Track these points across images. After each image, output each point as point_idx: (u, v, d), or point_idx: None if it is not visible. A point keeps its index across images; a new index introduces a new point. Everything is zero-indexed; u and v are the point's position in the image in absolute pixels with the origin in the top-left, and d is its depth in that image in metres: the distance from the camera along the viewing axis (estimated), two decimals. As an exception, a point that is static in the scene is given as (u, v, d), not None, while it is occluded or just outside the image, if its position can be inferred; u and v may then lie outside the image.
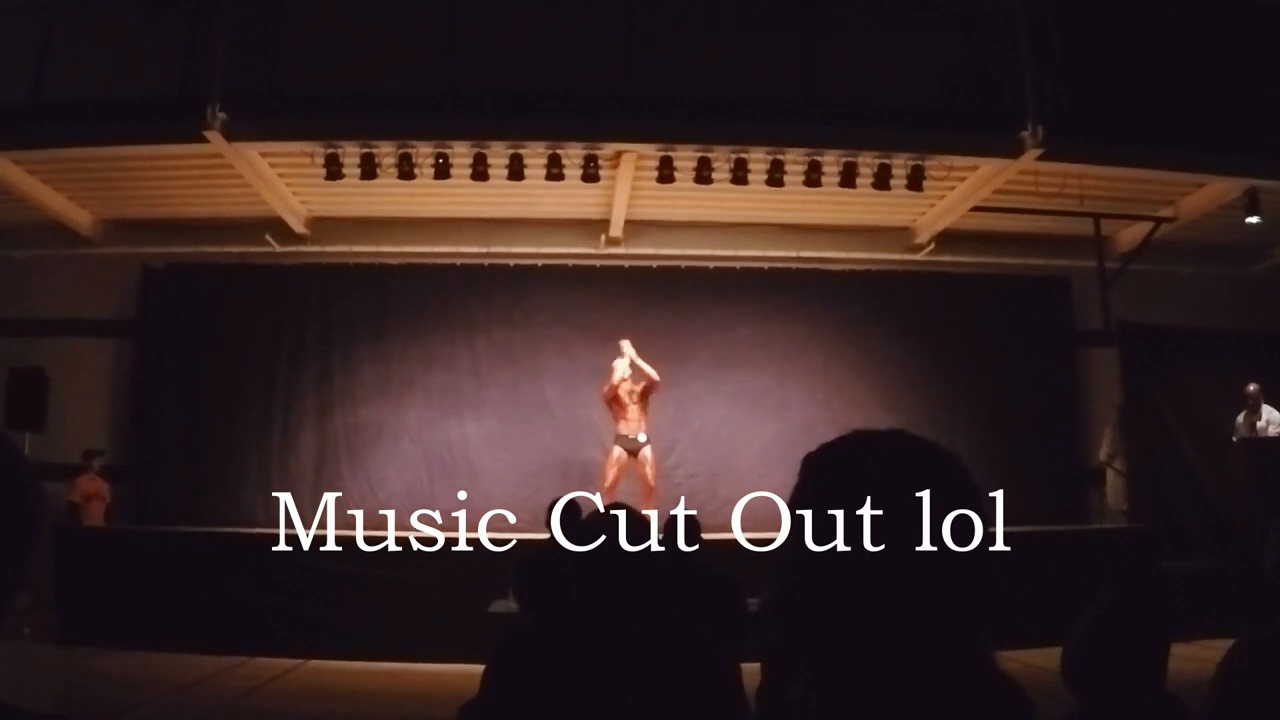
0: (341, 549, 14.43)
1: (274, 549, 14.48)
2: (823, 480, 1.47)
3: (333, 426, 17.38)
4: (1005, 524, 13.88)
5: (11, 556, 1.74)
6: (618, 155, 14.90)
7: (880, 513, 1.38)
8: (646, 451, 15.11)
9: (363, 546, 14.38)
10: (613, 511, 3.52)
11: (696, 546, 7.29)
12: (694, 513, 7.97)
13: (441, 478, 17.21)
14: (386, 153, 14.80)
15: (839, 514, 1.40)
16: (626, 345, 15.29)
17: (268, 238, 17.58)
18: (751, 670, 4.64)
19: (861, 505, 1.39)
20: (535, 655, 3.45)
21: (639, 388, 15.21)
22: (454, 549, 14.14)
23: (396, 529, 15.92)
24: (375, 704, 11.76)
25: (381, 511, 16.89)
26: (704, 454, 16.98)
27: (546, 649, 3.44)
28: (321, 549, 14.42)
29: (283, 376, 17.57)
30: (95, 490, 16.45)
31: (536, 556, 6.99)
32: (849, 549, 1.38)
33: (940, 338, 17.48)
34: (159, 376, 17.89)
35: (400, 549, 14.32)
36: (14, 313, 17.71)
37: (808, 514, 1.45)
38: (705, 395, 17.43)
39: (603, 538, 3.40)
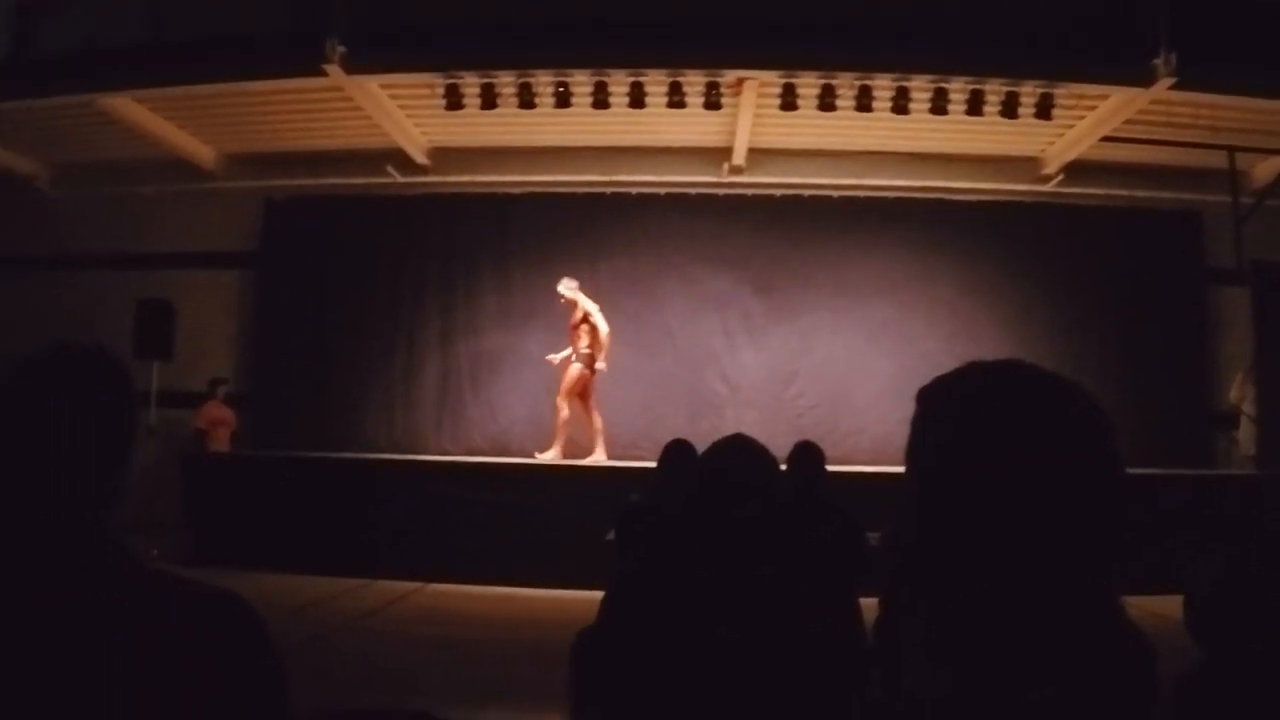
0: (464, 474, 14.54)
1: (396, 473, 14.63)
2: (938, 413, 1.43)
3: (455, 354, 17.50)
4: (1131, 465, 13.63)
5: (112, 459, 1.90)
6: (740, 82, 14.76)
7: (997, 445, 1.33)
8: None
9: (484, 473, 14.49)
10: (731, 446, 3.43)
11: (818, 478, 7.18)
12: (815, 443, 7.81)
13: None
14: (506, 82, 14.85)
15: (954, 447, 1.37)
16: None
17: (389, 169, 17.70)
18: (872, 605, 4.57)
19: (977, 437, 1.35)
20: (653, 590, 3.38)
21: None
22: (573, 475, 14.20)
23: (517, 455, 16.00)
24: (493, 627, 11.83)
25: (503, 438, 17.05)
26: (825, 385, 16.83)
27: (664, 584, 3.38)
28: (444, 474, 14.53)
29: (405, 305, 17.71)
30: (221, 417, 16.78)
31: (639, 505, 6.90)
32: (965, 483, 1.34)
33: (1067, 272, 17.11)
34: (282, 306, 18.21)
35: (521, 475, 14.41)
36: (141, 247, 18.09)
37: (923, 448, 1.42)
38: (827, 326, 17.30)
39: (720, 474, 3.32)
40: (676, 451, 7.12)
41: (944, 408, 1.42)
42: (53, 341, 1.90)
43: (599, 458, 15.38)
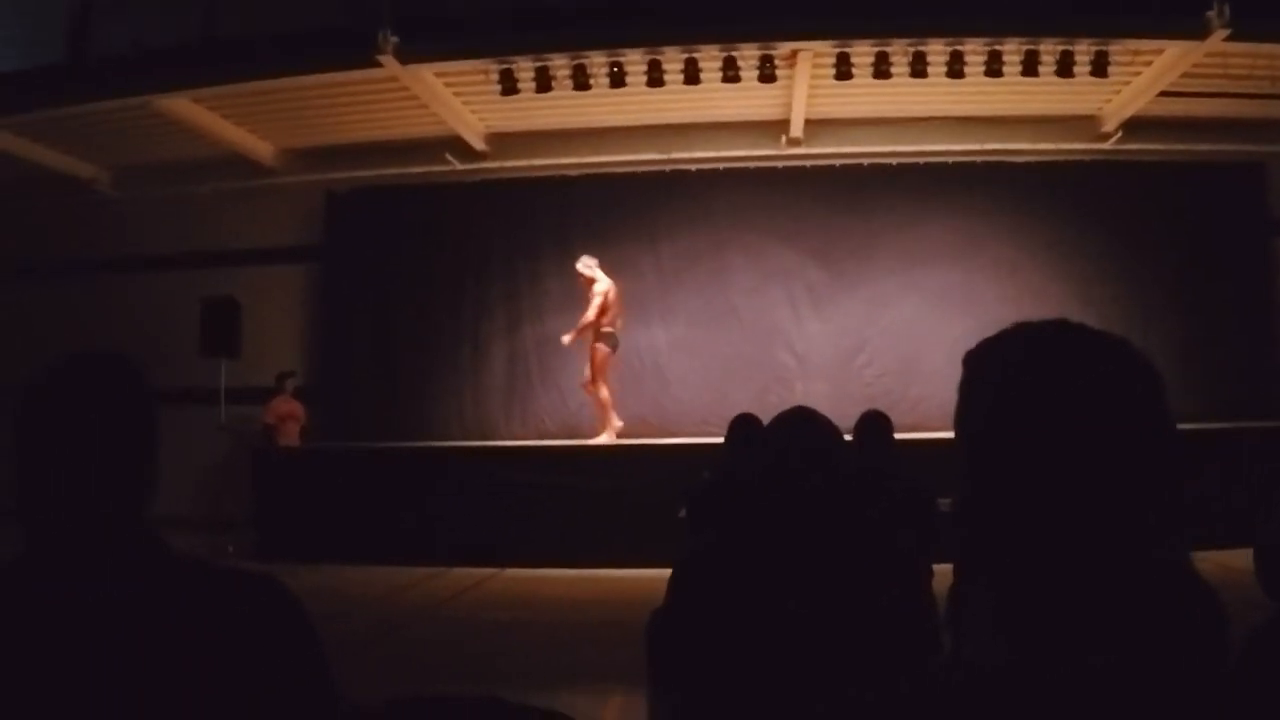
0: (534, 459, 14.62)
1: (468, 461, 14.69)
2: (984, 376, 1.41)
3: (522, 339, 17.54)
4: (1199, 419, 13.54)
5: (132, 454, 1.98)
6: (793, 54, 14.71)
7: (1044, 406, 1.31)
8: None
9: (555, 456, 14.57)
10: (793, 418, 3.42)
11: (885, 447, 7.15)
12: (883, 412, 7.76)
13: (631, 384, 17.22)
14: (560, 65, 14.83)
15: (1001, 410, 1.35)
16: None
17: (447, 156, 17.75)
18: (945, 572, 4.56)
19: (1023, 399, 1.33)
20: (721, 566, 3.39)
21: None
22: (644, 455, 14.23)
23: (588, 436, 16.06)
24: (569, 610, 11.87)
25: (572, 420, 17.11)
26: (893, 353, 16.79)
27: (732, 560, 3.38)
28: (515, 460, 14.60)
29: (470, 292, 17.74)
30: (289, 411, 16.86)
31: (710, 482, 6.89)
32: (1013, 447, 1.32)
33: (1130, 229, 16.91)
34: (347, 298, 18.33)
35: (591, 456, 14.46)
36: (204, 245, 18.27)
37: (970, 412, 1.40)
38: (893, 294, 17.25)
39: (784, 448, 3.31)
40: (742, 426, 7.11)
41: (989, 371, 1.40)
42: (71, 353, 2.01)
43: (608, 437, 15.54)
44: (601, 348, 15.38)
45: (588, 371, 15.54)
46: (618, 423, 15.69)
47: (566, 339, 15.51)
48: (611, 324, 15.41)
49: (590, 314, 15.30)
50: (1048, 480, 1.29)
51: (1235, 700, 1.26)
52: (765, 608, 3.11)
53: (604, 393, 15.55)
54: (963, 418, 1.41)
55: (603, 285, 15.37)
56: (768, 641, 3.06)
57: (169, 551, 1.95)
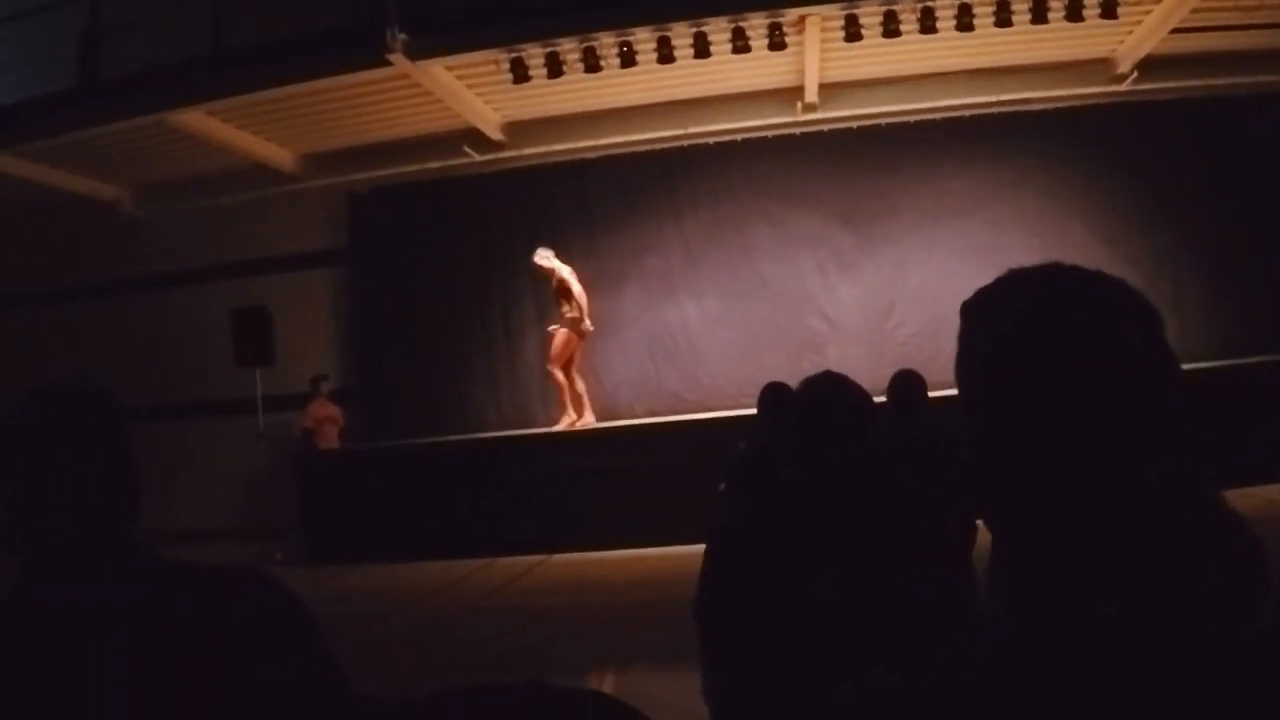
0: (574, 442, 14.66)
1: (507, 450, 14.75)
2: (980, 325, 1.39)
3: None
4: (1229, 355, 13.49)
5: (105, 470, 2.03)
6: (801, 19, 14.64)
7: (1042, 351, 1.30)
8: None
9: (594, 439, 14.61)
10: (824, 383, 3.39)
11: (919, 407, 7.13)
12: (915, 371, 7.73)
13: (665, 362, 17.39)
14: (570, 49, 14.80)
15: (999, 358, 1.33)
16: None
17: (466, 149, 17.77)
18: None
19: (1021, 346, 1.31)
20: (752, 538, 3.38)
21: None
22: (683, 431, 14.26)
23: (625, 417, 16.10)
24: (619, 592, 11.92)
25: (609, 402, 17.15)
26: (924, 312, 16.55)
27: (763, 531, 3.37)
28: (554, 444, 14.66)
29: (498, 282, 17.78)
30: (326, 414, 16.97)
31: (747, 453, 6.88)
32: (1019, 393, 1.30)
33: (1154, 169, 16.75)
34: (376, 297, 18.41)
35: (629, 436, 14.50)
36: (231, 256, 18.39)
37: (969, 363, 1.39)
38: (919, 251, 17.20)
39: (811, 413, 3.29)
40: (772, 395, 7.11)
41: (987, 319, 1.38)
42: (29, 388, 2.05)
43: (588, 421, 15.74)
44: (564, 334, 15.57)
45: (550, 356, 15.78)
46: (589, 415, 15.93)
47: (554, 328, 15.74)
48: (576, 311, 15.52)
49: (583, 301, 15.49)
50: (1050, 426, 1.27)
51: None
52: (798, 579, 3.10)
53: (560, 377, 15.75)
54: (963, 368, 1.40)
55: (564, 273, 15.58)
56: (802, 613, 3.06)
57: (154, 558, 2.00)
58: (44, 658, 1.83)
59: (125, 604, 1.88)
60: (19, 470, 1.95)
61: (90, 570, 1.92)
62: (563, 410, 15.77)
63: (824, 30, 14.95)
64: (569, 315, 15.47)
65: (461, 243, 18.14)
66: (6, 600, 1.92)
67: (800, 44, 15.34)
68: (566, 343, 15.57)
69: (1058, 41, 15.81)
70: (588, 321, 15.59)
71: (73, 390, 2.05)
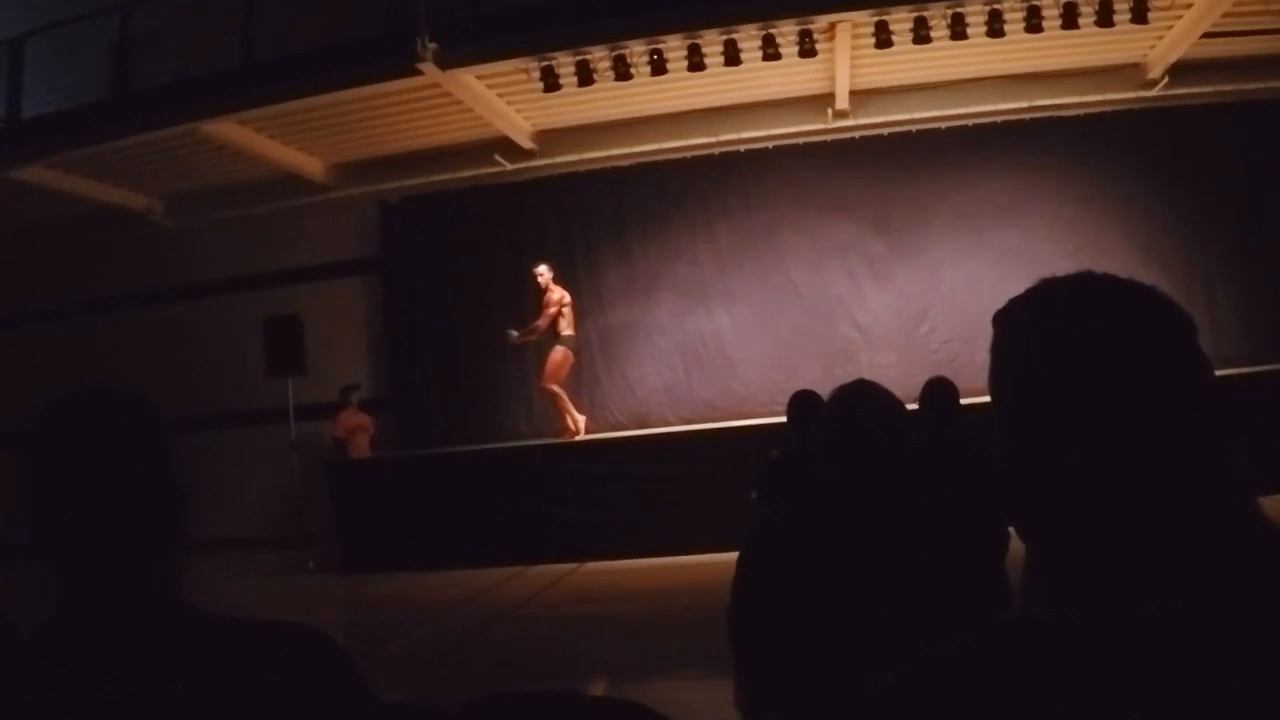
0: (606, 450, 14.67)
1: (540, 458, 14.77)
2: (1014, 335, 1.39)
3: (584, 332, 17.34)
4: (1269, 361, 13.43)
5: (158, 519, 1.85)
6: (832, 26, 14.65)
7: (1078, 360, 1.29)
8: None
9: (625, 447, 14.64)
10: (857, 391, 3.38)
11: (951, 414, 7.10)
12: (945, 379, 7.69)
13: (697, 370, 17.40)
14: (600, 57, 14.83)
15: (1034, 368, 1.33)
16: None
17: (497, 158, 17.87)
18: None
19: (1055, 356, 1.31)
20: (780, 545, 3.37)
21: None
22: (716, 439, 14.24)
23: (657, 425, 16.10)
24: (651, 600, 11.92)
25: (641, 410, 17.20)
26: (957, 319, 16.53)
27: (791, 537, 3.36)
28: (587, 452, 14.67)
29: (529, 290, 17.69)
30: (358, 423, 17.04)
31: (778, 460, 6.87)
32: (1052, 402, 1.30)
33: (1185, 174, 16.66)
34: (408, 306, 18.48)
35: (662, 444, 14.50)
36: (262, 266, 18.51)
37: (1003, 373, 1.38)
38: (951, 258, 17.14)
39: (842, 421, 3.28)
40: (801, 403, 7.11)
41: (1019, 329, 1.38)
42: (70, 391, 1.89)
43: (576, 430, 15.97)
44: (561, 351, 15.74)
45: (545, 373, 15.88)
46: (580, 417, 16.10)
47: (517, 335, 15.93)
48: (571, 327, 15.78)
49: (543, 322, 15.64)
50: (1084, 434, 1.27)
51: None
52: (830, 586, 3.09)
53: (559, 391, 15.92)
54: (997, 377, 1.40)
55: (555, 294, 15.76)
56: (834, 620, 3.05)
57: (199, 612, 1.84)
58: (72, 703, 1.70)
59: (156, 653, 1.75)
60: (49, 482, 1.81)
61: (128, 612, 1.78)
62: (568, 419, 15.93)
63: (854, 37, 14.96)
64: (566, 334, 15.64)
65: (493, 250, 18.19)
66: (40, 634, 1.80)
67: (831, 51, 15.33)
68: (564, 361, 15.75)
69: (1088, 47, 15.78)
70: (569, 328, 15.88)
71: (105, 397, 1.89)
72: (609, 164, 17.97)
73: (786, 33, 14.60)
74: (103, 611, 1.78)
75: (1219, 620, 1.20)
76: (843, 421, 3.26)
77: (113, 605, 1.79)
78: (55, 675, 1.74)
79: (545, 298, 15.66)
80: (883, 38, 14.51)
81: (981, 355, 1.42)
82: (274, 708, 1.76)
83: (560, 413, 15.91)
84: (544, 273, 15.76)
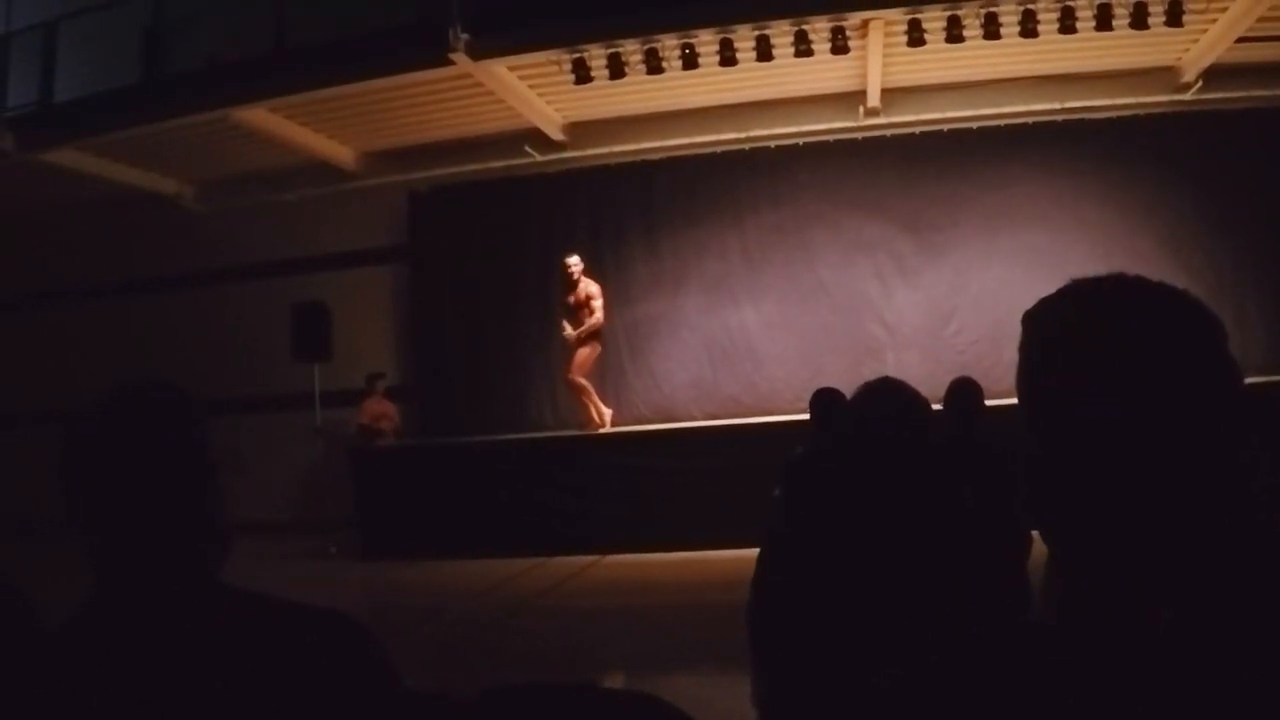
0: (632, 443, 14.67)
1: (565, 449, 14.78)
2: (1042, 336, 1.39)
3: (611, 325, 17.22)
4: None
5: (190, 496, 1.90)
6: (864, 24, 14.61)
7: (1107, 362, 1.29)
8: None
9: (651, 440, 14.64)
10: (882, 389, 3.36)
11: (978, 413, 7.08)
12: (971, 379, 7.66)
13: (724, 365, 17.38)
14: (632, 50, 14.81)
15: (1062, 369, 1.32)
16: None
17: (527, 149, 17.85)
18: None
19: (1084, 357, 1.31)
20: (807, 543, 3.37)
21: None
22: (741, 435, 14.24)
23: (682, 419, 16.09)
24: (671, 594, 11.93)
25: (667, 404, 17.22)
26: (984, 318, 16.48)
27: (813, 535, 3.36)
28: (612, 445, 14.67)
29: (556, 282, 17.67)
30: (383, 411, 17.05)
31: (803, 458, 6.87)
32: (1080, 404, 1.29)
33: (1219, 179, 16.52)
34: (435, 296, 18.53)
35: (687, 439, 14.50)
36: (291, 252, 18.55)
37: (1031, 374, 1.38)
38: (980, 259, 17.09)
39: (863, 419, 3.26)
40: (823, 401, 7.11)
41: (1048, 330, 1.38)
42: (118, 386, 1.94)
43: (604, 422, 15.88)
44: (593, 343, 15.77)
45: (574, 366, 15.78)
46: (606, 410, 16.04)
47: (571, 333, 15.74)
48: (596, 322, 15.71)
49: (599, 315, 15.64)
50: (1111, 437, 1.27)
51: None
52: (851, 584, 3.08)
53: (585, 384, 15.85)
54: (1024, 378, 1.39)
55: (592, 287, 15.78)
56: (854, 618, 3.04)
57: (238, 594, 1.89)
58: (108, 684, 1.74)
59: (199, 634, 1.79)
60: (93, 473, 1.85)
61: (166, 594, 1.82)
62: (593, 411, 15.83)
63: (887, 35, 14.91)
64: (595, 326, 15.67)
65: (521, 242, 18.21)
66: (77, 618, 1.84)
67: (863, 48, 15.29)
68: (592, 353, 15.75)
69: (1122, 49, 15.69)
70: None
71: (154, 394, 1.93)
72: (639, 157, 17.96)
73: (819, 29, 14.56)
74: (147, 590, 1.83)
75: (1232, 630, 1.20)
76: (864, 419, 3.24)
77: (157, 584, 1.83)
78: (97, 655, 1.78)
79: (579, 290, 15.64)
80: (915, 36, 14.45)
81: (1008, 357, 1.42)
82: (311, 692, 1.80)
83: (586, 405, 15.86)
84: (575, 264, 15.75)
